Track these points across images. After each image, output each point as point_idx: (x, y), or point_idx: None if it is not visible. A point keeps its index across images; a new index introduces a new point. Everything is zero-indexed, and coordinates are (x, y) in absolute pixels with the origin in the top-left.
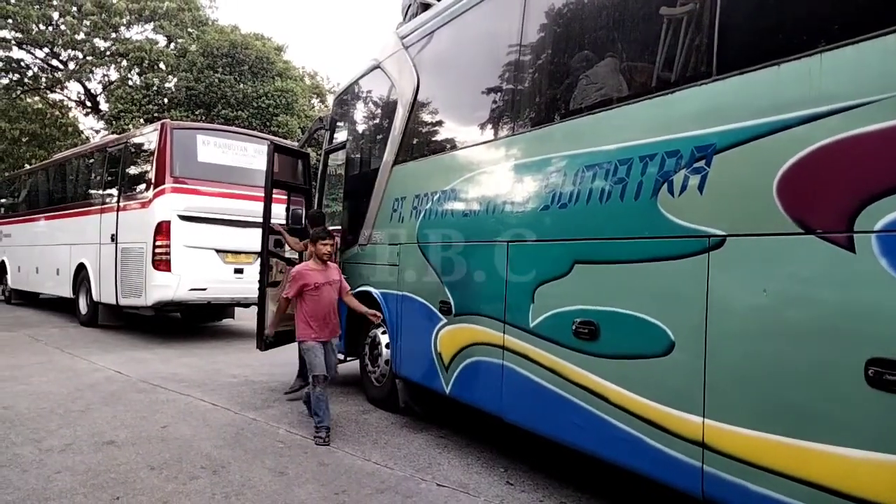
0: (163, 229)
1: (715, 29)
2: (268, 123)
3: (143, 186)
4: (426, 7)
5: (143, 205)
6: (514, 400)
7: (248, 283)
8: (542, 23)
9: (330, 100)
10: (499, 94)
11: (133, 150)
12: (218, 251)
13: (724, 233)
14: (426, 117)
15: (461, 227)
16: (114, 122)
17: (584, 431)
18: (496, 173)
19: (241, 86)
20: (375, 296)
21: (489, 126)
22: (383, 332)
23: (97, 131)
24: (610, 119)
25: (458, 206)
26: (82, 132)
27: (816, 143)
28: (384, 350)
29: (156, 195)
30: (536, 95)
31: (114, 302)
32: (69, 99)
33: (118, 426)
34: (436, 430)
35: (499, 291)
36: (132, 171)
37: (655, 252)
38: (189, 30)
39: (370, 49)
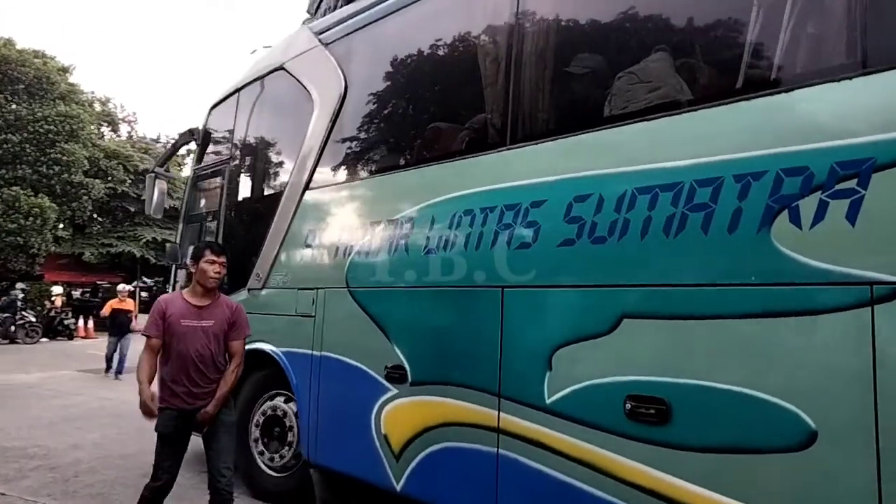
0: None
1: None
2: (47, 150)
3: None
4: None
5: None
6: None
7: None
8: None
9: (123, 130)
10: (489, 95)
11: None
12: None
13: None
14: (361, 130)
15: (422, 268)
16: None
17: None
18: (481, 198)
19: (14, 106)
20: (276, 356)
21: (471, 137)
22: (287, 401)
23: None
24: (681, 126)
25: (418, 239)
26: None
27: None
28: (292, 428)
29: None
30: (550, 95)
31: None
32: None
33: None
34: None
35: (489, 354)
36: None
37: (774, 304)
38: None
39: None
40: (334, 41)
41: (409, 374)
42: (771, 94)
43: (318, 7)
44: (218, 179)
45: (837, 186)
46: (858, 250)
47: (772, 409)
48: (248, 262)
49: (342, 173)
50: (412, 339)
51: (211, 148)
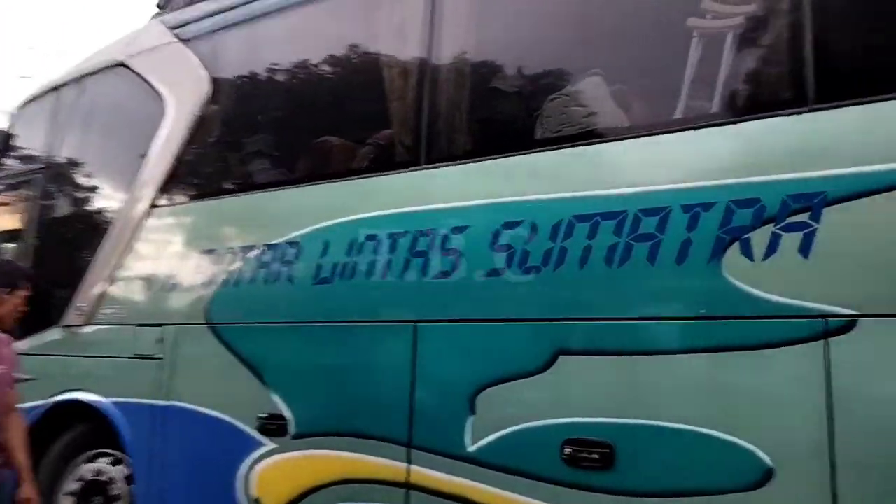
0: None
1: None
2: None
3: None
4: None
5: None
6: None
7: None
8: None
9: None
10: (398, 109)
11: None
12: None
13: (853, 312)
14: (232, 139)
15: (312, 300)
16: None
17: None
18: (389, 222)
19: None
20: (103, 409)
21: (375, 153)
22: (115, 463)
23: None
24: (623, 152)
25: (307, 267)
26: None
27: None
28: (119, 497)
29: None
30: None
31: None
32: None
33: None
34: None
35: (398, 398)
36: None
37: (726, 339)
38: None
39: None
40: (197, 37)
41: (291, 424)
42: (718, 124)
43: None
44: (25, 192)
45: (790, 219)
46: (812, 283)
47: (725, 448)
48: (64, 293)
49: (204, 188)
50: (297, 383)
51: (18, 154)
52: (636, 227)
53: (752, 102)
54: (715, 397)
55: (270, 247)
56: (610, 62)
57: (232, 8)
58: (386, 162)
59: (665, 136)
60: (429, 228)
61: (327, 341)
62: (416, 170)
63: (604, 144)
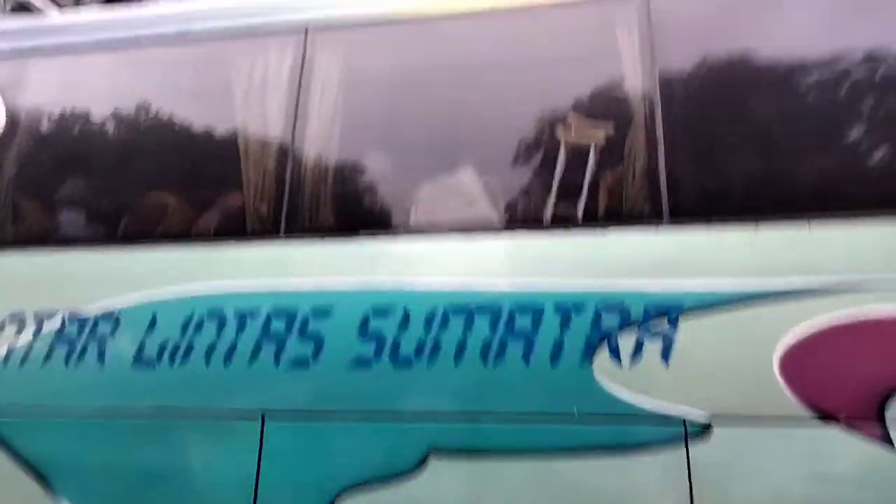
0: None
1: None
2: None
3: None
4: (23, 8)
5: None
6: None
7: None
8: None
9: None
10: (253, 173)
11: None
12: None
13: (706, 418)
14: (26, 183)
15: (128, 386)
16: None
17: None
18: (236, 298)
19: None
20: None
21: (220, 218)
22: None
23: None
24: (499, 247)
25: (124, 345)
26: None
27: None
28: None
29: None
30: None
31: None
32: None
33: None
34: None
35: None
36: None
37: (595, 440)
38: None
39: None
40: None
41: None
42: (582, 230)
43: None
44: None
45: (651, 327)
46: (672, 388)
47: None
48: None
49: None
50: (96, 488)
51: None
52: (511, 323)
53: (610, 212)
54: (584, 499)
55: (75, 318)
56: (481, 158)
57: (48, 32)
58: (234, 229)
59: (537, 234)
60: (285, 308)
61: (145, 436)
62: (274, 241)
63: (479, 237)
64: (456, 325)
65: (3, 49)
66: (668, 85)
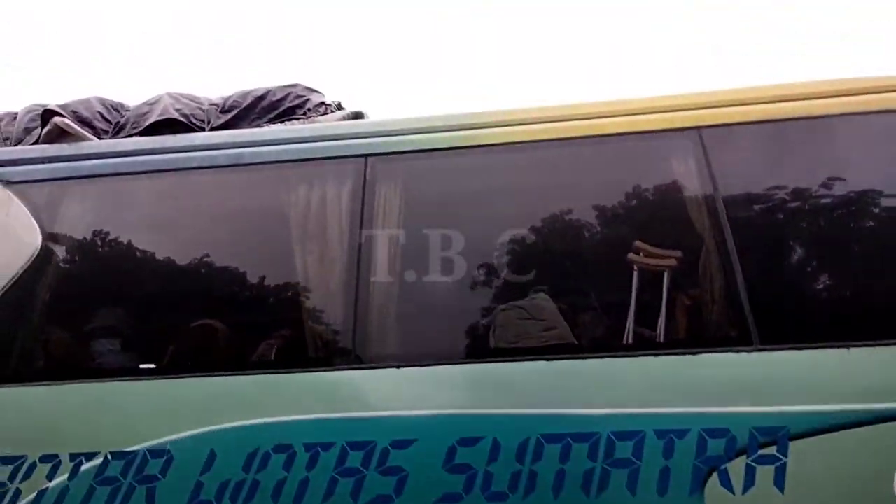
0: None
1: None
2: None
3: None
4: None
5: None
6: None
7: None
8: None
9: None
10: (323, 297)
11: None
12: None
13: None
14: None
15: None
16: None
17: None
18: (305, 430)
19: None
20: None
21: (282, 345)
22: None
23: None
24: (580, 372)
25: (177, 483)
26: None
27: None
28: None
29: None
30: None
31: None
32: None
33: None
34: None
35: None
36: None
37: None
38: None
39: None
40: (28, 182)
41: None
42: (675, 354)
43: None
44: None
45: (760, 452)
46: None
47: None
48: None
49: (18, 370)
50: None
51: None
52: (611, 451)
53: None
54: None
55: (120, 455)
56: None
57: (87, 157)
58: (299, 357)
59: (625, 358)
60: (362, 441)
61: None
62: (346, 370)
63: (565, 361)
64: (551, 454)
65: (36, 170)
66: (735, 210)
